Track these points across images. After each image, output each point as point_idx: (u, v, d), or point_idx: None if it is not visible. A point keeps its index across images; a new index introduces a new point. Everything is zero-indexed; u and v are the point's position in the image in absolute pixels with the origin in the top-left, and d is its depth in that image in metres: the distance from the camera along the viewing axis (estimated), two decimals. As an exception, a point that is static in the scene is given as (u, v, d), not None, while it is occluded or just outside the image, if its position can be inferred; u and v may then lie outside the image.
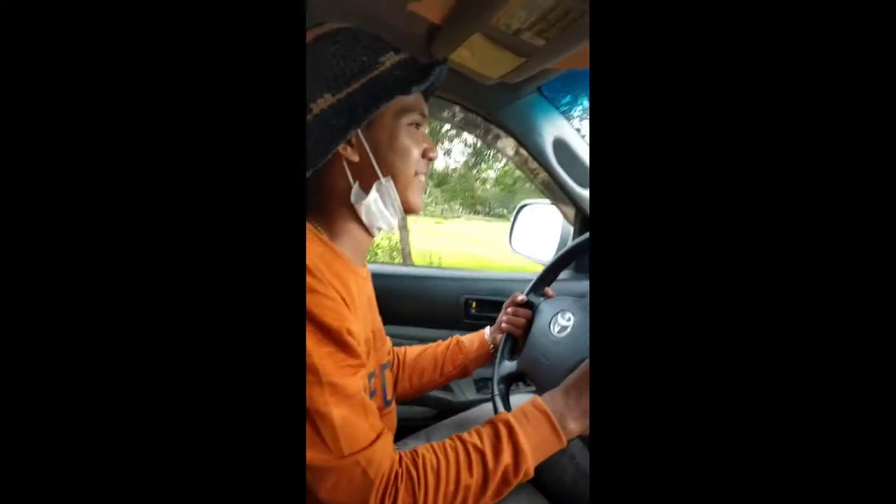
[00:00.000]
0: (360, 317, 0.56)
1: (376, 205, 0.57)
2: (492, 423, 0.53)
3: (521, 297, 0.79)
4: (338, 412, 0.46)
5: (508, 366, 0.75)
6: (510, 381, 0.75)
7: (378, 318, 0.70)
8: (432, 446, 0.51)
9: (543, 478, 0.81)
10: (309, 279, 0.47)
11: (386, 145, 0.56)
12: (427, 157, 0.60)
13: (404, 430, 0.87)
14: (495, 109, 1.01)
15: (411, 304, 1.17)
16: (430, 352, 0.83)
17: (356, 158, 0.56)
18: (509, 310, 0.79)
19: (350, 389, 0.48)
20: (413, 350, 0.84)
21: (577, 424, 0.53)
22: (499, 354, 0.77)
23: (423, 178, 0.61)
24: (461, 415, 0.89)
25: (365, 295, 0.62)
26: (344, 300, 0.51)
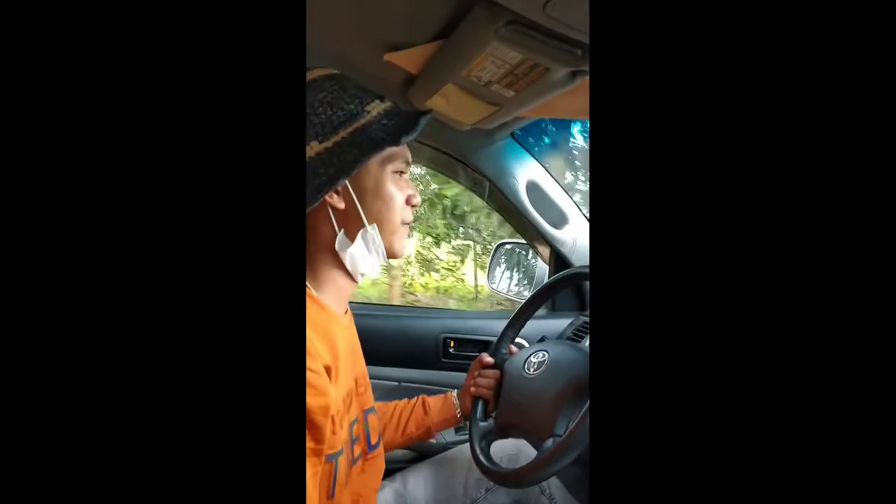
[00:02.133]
0: (342, 375, 0.56)
1: (361, 252, 0.57)
2: None
3: (488, 359, 0.78)
4: None
5: (484, 426, 0.73)
6: (490, 440, 0.73)
7: (362, 364, 0.70)
8: None
9: None
10: None
11: (372, 193, 0.57)
12: (411, 203, 0.61)
13: (385, 473, 0.85)
14: (470, 153, 1.04)
15: (388, 342, 1.16)
16: (392, 409, 0.81)
17: (342, 206, 0.56)
18: (476, 373, 0.78)
19: (308, 473, 0.48)
20: (378, 405, 0.81)
21: None
22: (472, 419, 0.75)
23: (407, 225, 0.62)
24: (439, 456, 0.88)
25: (348, 344, 0.62)
26: (327, 368, 0.51)
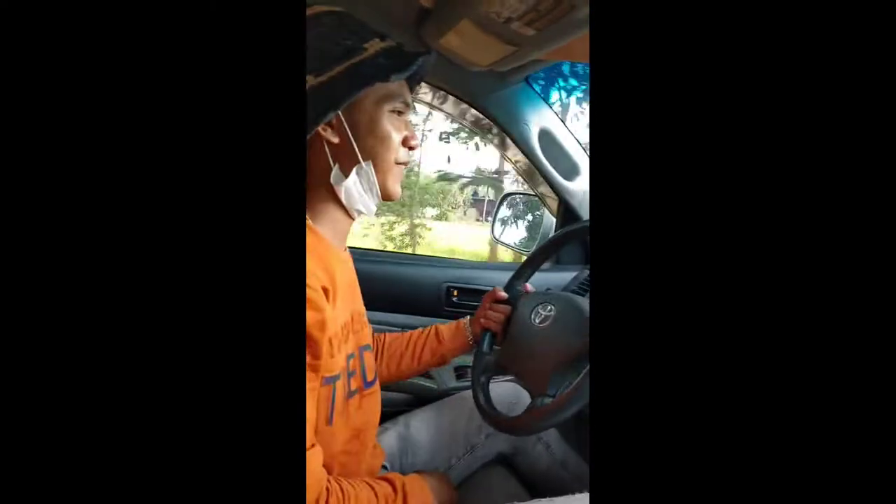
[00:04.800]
0: (339, 303, 0.57)
1: (356, 188, 0.58)
2: (391, 482, 0.59)
3: (501, 293, 0.80)
4: None
5: (488, 360, 0.76)
6: (490, 375, 0.75)
7: (359, 300, 0.71)
8: (350, 482, 0.55)
9: (518, 464, 0.82)
10: None
11: (366, 130, 0.57)
12: (408, 145, 0.61)
13: (383, 416, 0.87)
14: (480, 97, 1.00)
15: (391, 289, 1.16)
16: (407, 339, 0.83)
17: (336, 140, 0.56)
18: (488, 305, 0.80)
19: (307, 387, 0.49)
20: (391, 337, 0.84)
21: None
22: (477, 350, 0.78)
23: (403, 166, 0.62)
24: (440, 402, 0.90)
25: (346, 279, 0.63)
26: (324, 289, 0.51)
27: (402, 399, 1.13)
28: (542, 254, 0.81)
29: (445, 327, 0.83)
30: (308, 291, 0.48)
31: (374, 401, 0.67)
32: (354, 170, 0.57)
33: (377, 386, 0.69)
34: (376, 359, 0.82)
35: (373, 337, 0.83)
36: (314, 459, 0.50)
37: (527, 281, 0.82)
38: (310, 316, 0.48)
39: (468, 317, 0.84)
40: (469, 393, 0.90)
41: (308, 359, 0.50)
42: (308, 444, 0.49)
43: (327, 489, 0.50)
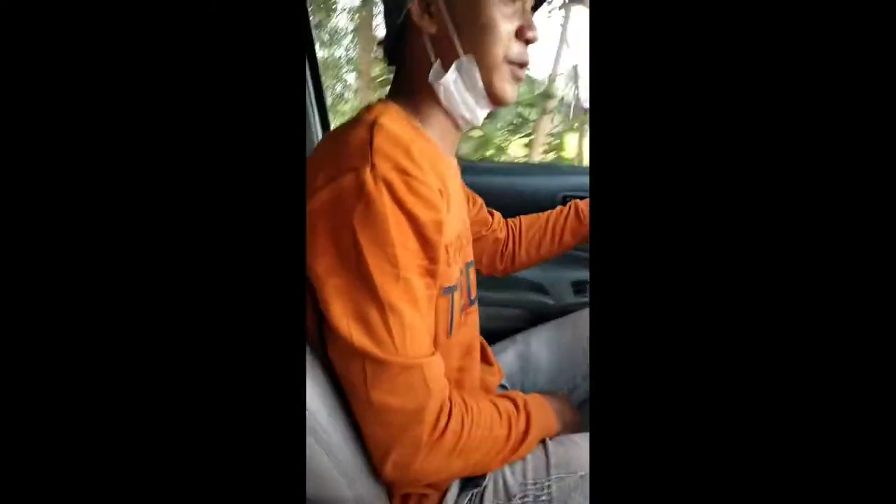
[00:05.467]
0: (453, 210, 0.51)
1: (456, 86, 0.50)
2: (513, 399, 0.55)
3: None
4: (409, 311, 0.43)
5: None
6: None
7: (466, 217, 0.65)
8: (470, 398, 0.52)
9: None
10: (403, 161, 0.43)
11: (468, 17, 0.48)
12: (524, 37, 0.50)
13: (499, 334, 0.84)
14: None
15: (502, 200, 1.08)
16: (545, 222, 0.80)
17: (433, 30, 0.49)
18: None
19: (421, 292, 0.45)
20: (527, 220, 0.81)
21: (565, 427, 0.61)
22: None
23: (518, 67, 0.51)
24: (560, 320, 0.84)
25: (456, 189, 0.57)
26: (440, 192, 0.46)
27: (515, 315, 1.09)
28: None
29: (585, 204, 0.79)
30: (424, 189, 0.43)
31: (474, 319, 0.64)
32: (454, 65, 0.49)
33: (476, 305, 0.66)
34: (514, 245, 0.80)
35: (506, 223, 0.81)
36: (436, 368, 0.46)
37: None
38: (428, 216, 0.43)
39: None
40: (587, 311, 0.83)
41: (426, 263, 0.45)
42: (428, 352, 0.46)
43: (450, 399, 0.47)
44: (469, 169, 0.98)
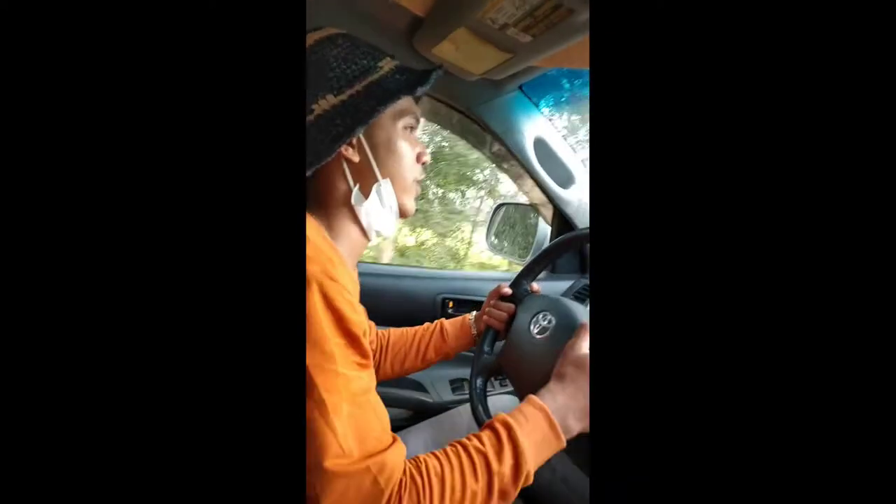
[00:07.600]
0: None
1: (376, 207, 0.57)
2: (491, 426, 0.50)
3: (505, 290, 0.79)
4: (351, 409, 0.43)
5: (487, 359, 0.75)
6: (488, 375, 0.74)
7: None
8: (434, 453, 0.48)
9: None
10: (329, 268, 0.46)
11: (385, 147, 0.56)
12: (421, 160, 0.60)
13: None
14: (475, 106, 0.99)
15: (388, 302, 1.14)
16: (412, 337, 0.83)
17: (357, 159, 0.55)
18: (492, 302, 0.79)
19: (364, 386, 0.45)
20: (395, 333, 0.84)
21: (577, 423, 0.52)
22: (478, 347, 0.77)
23: (417, 184, 0.61)
24: (436, 418, 0.88)
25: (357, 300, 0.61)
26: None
27: (396, 414, 1.11)
28: (551, 253, 0.79)
29: (450, 323, 0.83)
30: (347, 294, 0.46)
31: None
32: (374, 188, 0.56)
33: None
34: (381, 356, 0.82)
35: (376, 334, 0.83)
36: (390, 460, 0.44)
37: (534, 280, 0.81)
38: (354, 317, 0.46)
39: (473, 312, 0.83)
40: (466, 408, 0.88)
41: (359, 359, 0.46)
42: (390, 437, 0.45)
43: (401, 483, 0.44)
44: (360, 273, 1.04)
